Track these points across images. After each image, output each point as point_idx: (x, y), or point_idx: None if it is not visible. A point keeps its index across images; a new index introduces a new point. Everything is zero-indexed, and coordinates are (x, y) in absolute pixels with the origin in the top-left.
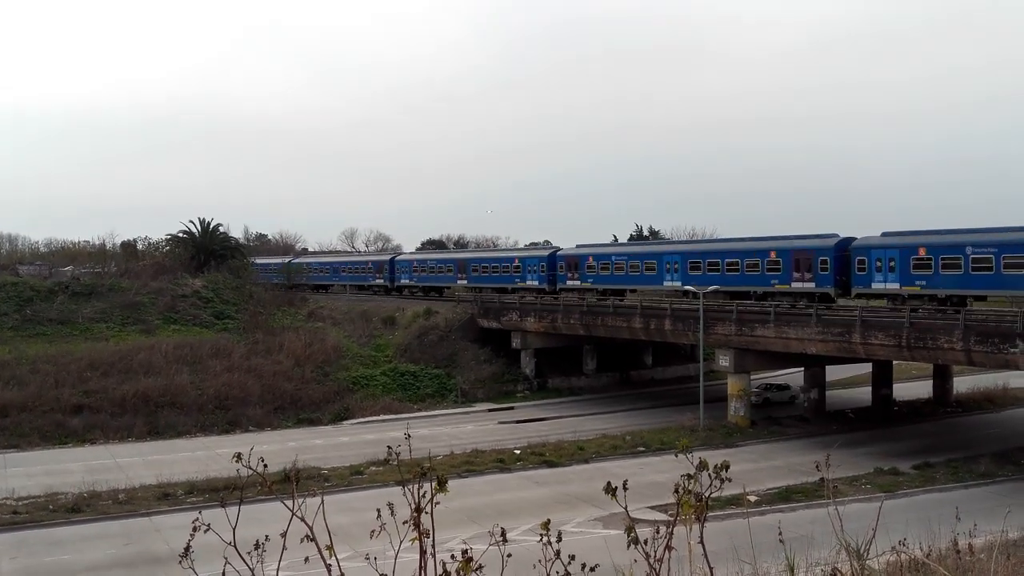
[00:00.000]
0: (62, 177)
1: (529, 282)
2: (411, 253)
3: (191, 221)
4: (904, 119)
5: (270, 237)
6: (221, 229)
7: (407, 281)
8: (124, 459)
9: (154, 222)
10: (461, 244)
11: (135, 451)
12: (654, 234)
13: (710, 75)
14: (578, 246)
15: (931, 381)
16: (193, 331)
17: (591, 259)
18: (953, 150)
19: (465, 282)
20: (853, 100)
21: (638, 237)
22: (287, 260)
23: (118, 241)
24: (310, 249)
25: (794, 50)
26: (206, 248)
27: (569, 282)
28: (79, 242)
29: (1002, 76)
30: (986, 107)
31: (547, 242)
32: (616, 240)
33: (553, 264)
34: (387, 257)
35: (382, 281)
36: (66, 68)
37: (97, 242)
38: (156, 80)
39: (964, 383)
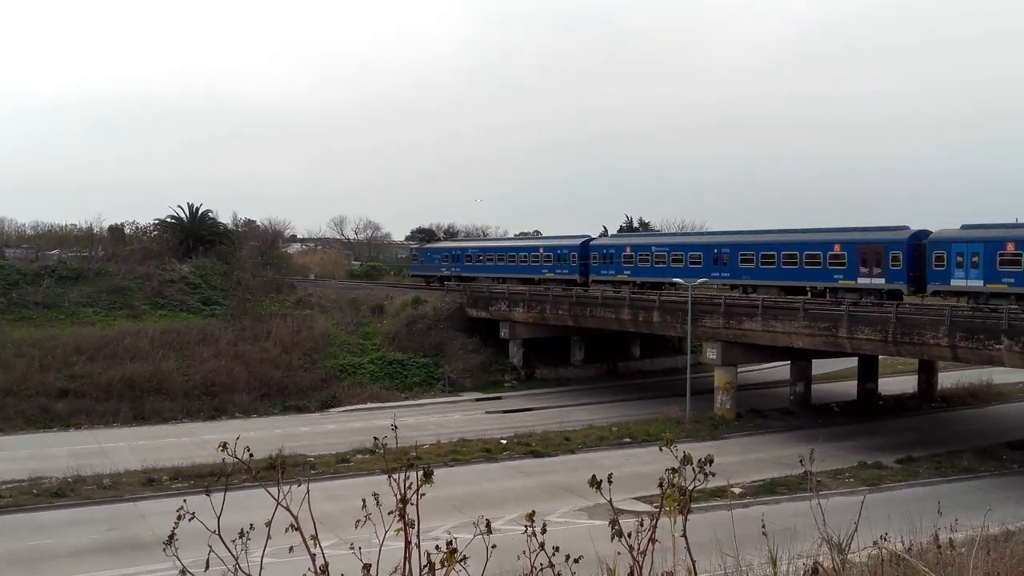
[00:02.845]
0: (49, 159)
1: None
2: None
3: (179, 206)
4: (889, 127)
5: (258, 223)
6: (210, 215)
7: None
8: (109, 444)
9: (142, 207)
10: (451, 234)
11: (120, 436)
12: (644, 225)
13: (698, 77)
14: None
15: (916, 376)
16: (180, 316)
17: None
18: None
19: None
20: (836, 109)
21: (628, 228)
22: (584, 239)
23: (105, 225)
24: (299, 236)
25: (777, 56)
26: (194, 233)
27: None
28: (66, 225)
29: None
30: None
31: None
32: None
33: None
34: (897, 237)
35: (867, 281)
36: (54, 51)
37: (84, 226)
38: (150, 68)
39: (949, 378)
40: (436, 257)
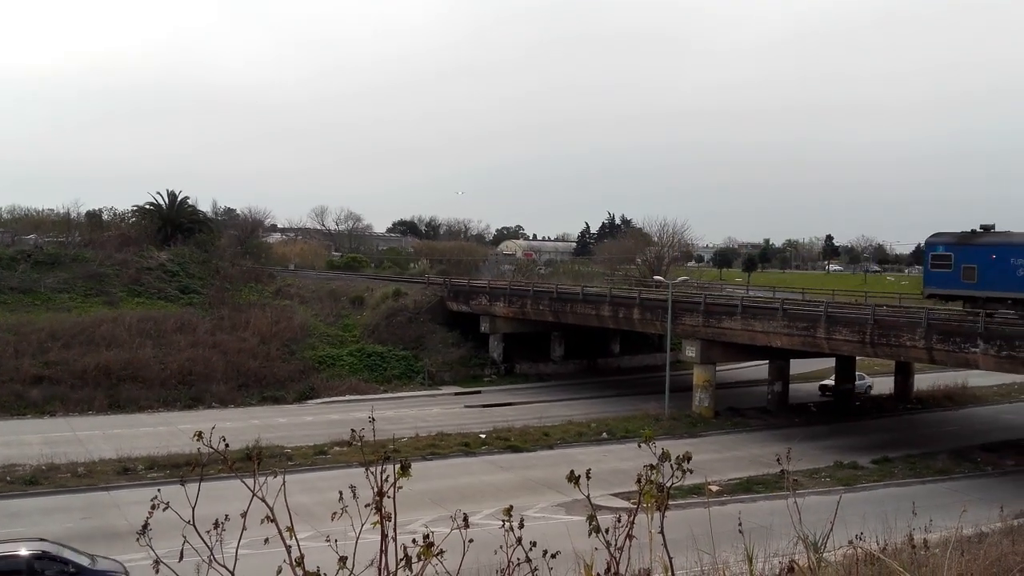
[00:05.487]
0: (26, 143)
1: None
2: None
3: (158, 193)
4: (878, 113)
5: (239, 212)
6: (189, 202)
7: None
8: (84, 432)
9: (120, 193)
10: (433, 227)
11: (95, 424)
12: (626, 223)
13: (686, 66)
14: None
15: (893, 377)
16: (158, 305)
17: None
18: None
19: None
20: (824, 95)
21: (610, 226)
22: None
23: (83, 210)
24: (279, 226)
25: (769, 45)
26: (173, 221)
27: None
28: (43, 210)
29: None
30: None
31: None
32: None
33: None
34: None
35: None
36: (38, 34)
37: (62, 211)
38: (126, 49)
39: (925, 380)
40: (1017, 262)
